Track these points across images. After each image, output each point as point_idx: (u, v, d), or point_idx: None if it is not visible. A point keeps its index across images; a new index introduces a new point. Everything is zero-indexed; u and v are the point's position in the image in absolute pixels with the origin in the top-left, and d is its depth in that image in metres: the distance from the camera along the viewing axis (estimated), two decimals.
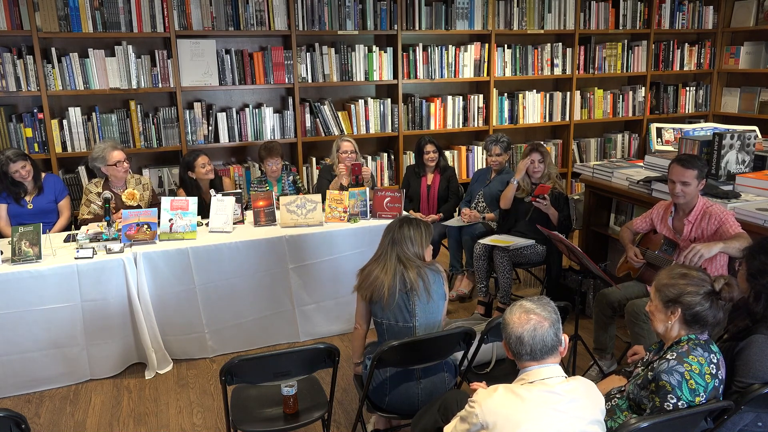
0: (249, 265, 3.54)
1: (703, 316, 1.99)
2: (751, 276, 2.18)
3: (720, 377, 1.98)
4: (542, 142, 4.94)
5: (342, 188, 4.09)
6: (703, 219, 2.99)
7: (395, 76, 5.11)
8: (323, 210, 3.81)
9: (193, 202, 3.56)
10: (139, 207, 3.85)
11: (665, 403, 1.92)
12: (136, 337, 3.43)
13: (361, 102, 5.10)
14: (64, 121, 4.34)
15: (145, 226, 3.46)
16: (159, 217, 3.52)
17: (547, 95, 5.69)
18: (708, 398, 1.93)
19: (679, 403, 1.90)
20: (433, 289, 2.50)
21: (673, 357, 1.96)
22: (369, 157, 5.25)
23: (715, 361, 1.98)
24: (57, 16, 4.13)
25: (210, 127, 4.72)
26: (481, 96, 5.46)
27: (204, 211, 3.87)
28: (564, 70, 5.66)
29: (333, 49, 4.90)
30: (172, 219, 3.51)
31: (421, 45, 5.13)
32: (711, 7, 6.08)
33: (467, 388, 2.36)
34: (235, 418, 2.40)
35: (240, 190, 4.10)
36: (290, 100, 4.89)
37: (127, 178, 3.99)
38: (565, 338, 1.87)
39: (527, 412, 1.71)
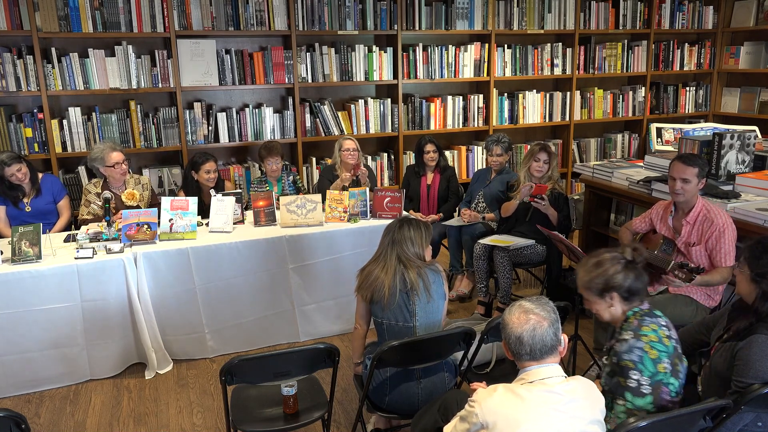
0: (249, 265, 3.54)
1: (636, 287, 2.10)
2: (758, 276, 2.17)
3: (675, 337, 2.07)
4: (551, 144, 4.93)
5: (343, 189, 4.09)
6: (704, 222, 2.98)
7: (395, 76, 5.11)
8: (323, 210, 3.81)
9: (193, 202, 3.56)
10: (138, 207, 3.85)
11: (628, 381, 1.98)
12: (136, 337, 3.43)
13: (361, 102, 5.10)
14: (64, 121, 4.34)
15: (145, 226, 3.46)
16: (159, 217, 3.52)
17: (547, 95, 5.69)
18: (671, 360, 2.00)
19: (642, 378, 1.97)
20: (433, 289, 2.50)
21: (630, 336, 2.04)
22: (369, 157, 5.25)
23: (664, 323, 2.09)
24: (57, 16, 4.13)
25: (210, 127, 4.72)
26: (481, 96, 5.46)
27: (203, 212, 3.87)
28: (564, 70, 5.66)
29: (333, 49, 4.90)
30: (172, 219, 3.51)
31: (421, 45, 5.13)
32: (711, 7, 6.08)
33: (467, 388, 2.36)
34: (235, 418, 2.40)
35: (240, 190, 4.10)
36: (290, 100, 4.89)
37: (126, 178, 3.99)
38: (564, 338, 1.87)
39: (527, 412, 1.72)
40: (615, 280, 2.09)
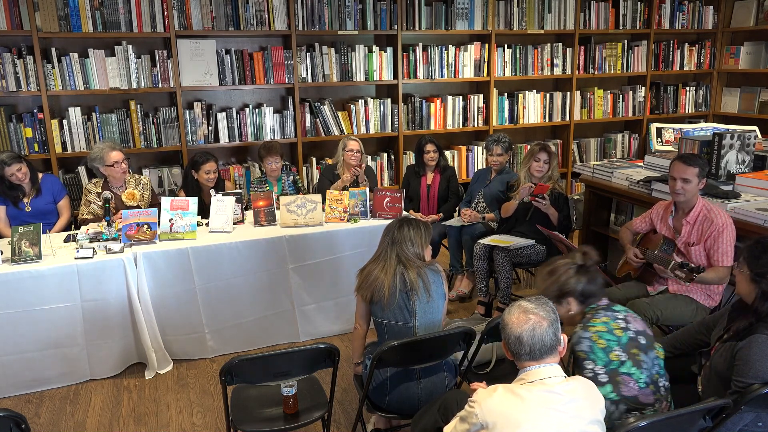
0: (249, 265, 3.54)
1: (590, 290, 2.19)
2: (758, 276, 2.17)
3: (634, 329, 2.11)
4: (551, 144, 4.93)
5: (343, 189, 4.09)
6: (704, 222, 2.98)
7: (395, 76, 5.11)
8: (323, 210, 3.81)
9: (193, 202, 3.56)
10: (138, 207, 3.85)
11: (584, 371, 2.04)
12: (136, 337, 3.43)
13: (361, 102, 5.10)
14: (64, 121, 4.34)
15: (145, 226, 3.46)
16: (159, 217, 3.52)
17: (547, 95, 5.69)
18: (626, 350, 2.06)
19: (597, 367, 2.03)
20: (432, 289, 2.50)
21: (579, 327, 2.13)
22: (369, 157, 5.25)
23: (621, 317, 2.15)
24: (57, 16, 4.13)
25: (210, 127, 4.72)
26: (481, 96, 5.46)
27: (203, 212, 3.87)
28: (564, 70, 5.66)
29: (333, 49, 4.90)
30: (172, 219, 3.51)
31: (421, 45, 5.13)
32: (711, 7, 6.08)
33: (467, 388, 2.36)
34: (235, 418, 2.40)
35: (240, 190, 4.10)
36: (290, 100, 4.89)
37: (126, 178, 3.99)
38: (564, 338, 1.87)
39: (527, 412, 1.71)
40: (568, 285, 2.19)
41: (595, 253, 2.26)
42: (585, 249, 2.28)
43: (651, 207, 3.37)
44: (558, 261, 2.27)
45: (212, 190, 3.93)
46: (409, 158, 5.26)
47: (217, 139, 4.76)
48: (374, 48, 5.03)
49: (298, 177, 4.50)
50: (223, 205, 3.67)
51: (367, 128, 5.17)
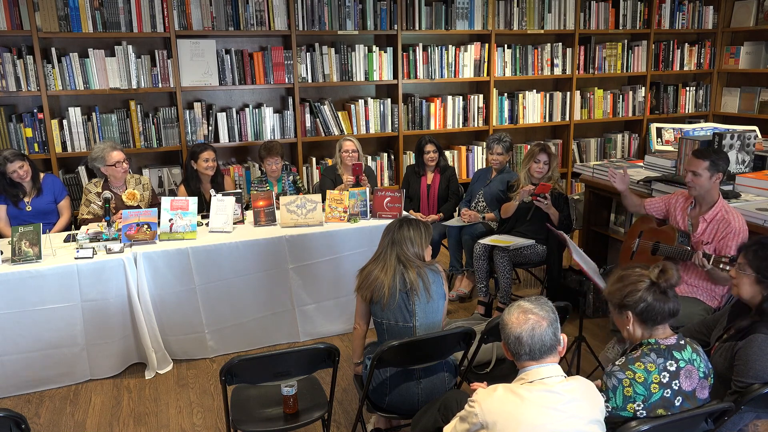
0: (249, 265, 3.54)
1: (652, 310, 1.94)
2: (766, 278, 2.16)
3: (676, 387, 1.91)
4: (551, 144, 4.92)
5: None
6: (721, 222, 2.98)
7: (395, 76, 5.11)
8: (323, 210, 3.81)
9: (193, 201, 3.56)
10: (138, 207, 3.85)
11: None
12: (136, 337, 3.43)
13: (361, 102, 5.10)
14: (64, 121, 4.34)
15: (145, 226, 3.46)
16: (159, 217, 3.52)
17: (547, 95, 5.69)
18: (650, 408, 1.89)
19: (607, 404, 1.90)
20: (432, 289, 2.50)
21: (621, 362, 1.95)
22: (369, 157, 5.25)
23: (672, 369, 1.91)
24: (57, 16, 4.13)
25: (210, 127, 4.72)
26: (481, 96, 5.46)
27: (202, 206, 3.88)
28: (564, 70, 5.66)
29: (333, 49, 4.90)
30: (172, 219, 3.51)
31: (421, 45, 5.13)
32: (711, 7, 6.08)
33: (467, 388, 2.36)
34: (235, 418, 2.40)
35: (240, 190, 4.10)
36: (290, 100, 4.89)
37: (126, 178, 3.99)
38: (563, 338, 1.87)
39: (527, 412, 1.71)
40: (629, 298, 1.96)
41: (674, 274, 1.96)
42: (665, 266, 1.97)
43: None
44: (635, 269, 2.02)
45: (212, 190, 3.93)
46: (409, 158, 5.26)
47: (217, 139, 4.76)
48: (374, 48, 5.03)
49: (298, 177, 4.50)
50: (223, 205, 3.67)
51: (367, 128, 5.17)
